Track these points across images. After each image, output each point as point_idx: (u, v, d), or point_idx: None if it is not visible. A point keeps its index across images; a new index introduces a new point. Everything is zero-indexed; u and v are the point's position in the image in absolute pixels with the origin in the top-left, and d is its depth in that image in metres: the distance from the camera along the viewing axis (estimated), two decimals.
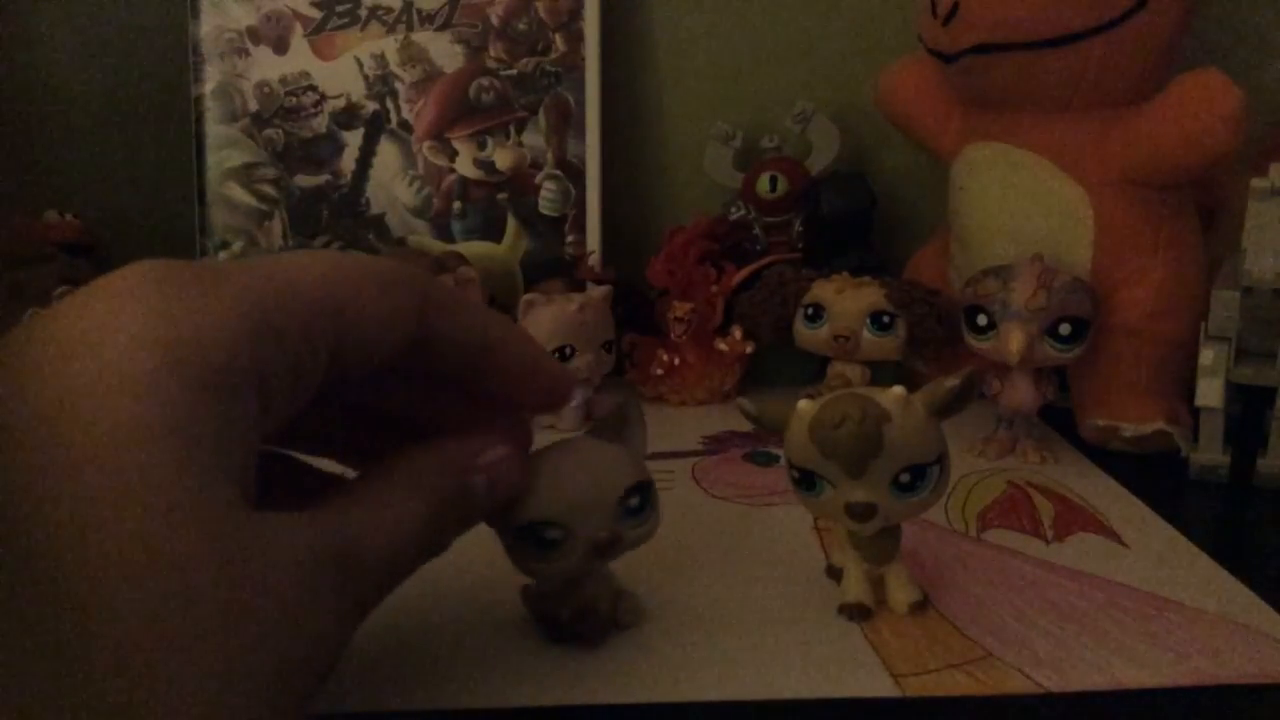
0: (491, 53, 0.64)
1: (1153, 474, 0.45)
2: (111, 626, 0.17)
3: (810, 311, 0.52)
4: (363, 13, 0.65)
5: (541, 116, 0.64)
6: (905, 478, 0.29)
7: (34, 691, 0.17)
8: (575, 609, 0.30)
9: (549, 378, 0.29)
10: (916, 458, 0.29)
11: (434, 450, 0.26)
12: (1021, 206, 0.49)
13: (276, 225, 0.66)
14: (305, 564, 0.20)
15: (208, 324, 0.20)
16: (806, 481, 0.30)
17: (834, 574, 0.34)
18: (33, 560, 0.18)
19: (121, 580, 0.18)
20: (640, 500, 0.29)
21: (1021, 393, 0.46)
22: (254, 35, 0.65)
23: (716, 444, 0.50)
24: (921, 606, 0.32)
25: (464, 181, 0.65)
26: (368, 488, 0.25)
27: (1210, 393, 0.43)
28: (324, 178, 0.65)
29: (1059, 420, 0.50)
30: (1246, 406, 0.45)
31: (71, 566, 0.18)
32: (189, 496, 0.19)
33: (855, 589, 0.33)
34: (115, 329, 0.19)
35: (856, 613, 0.32)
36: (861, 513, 0.30)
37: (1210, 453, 0.44)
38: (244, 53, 0.65)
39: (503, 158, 0.65)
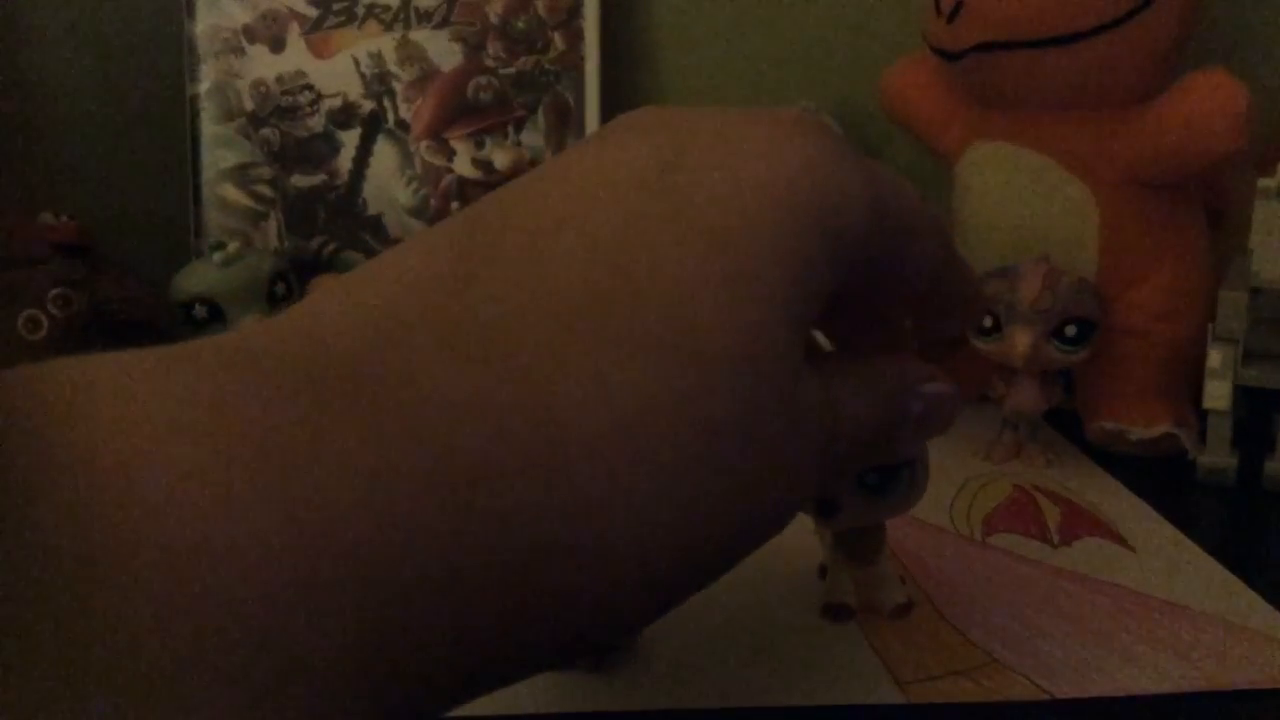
0: (490, 51, 0.64)
1: (1159, 477, 0.44)
2: None
3: None
4: (360, 11, 0.64)
5: (540, 116, 0.64)
6: (872, 479, 0.29)
7: None
8: None
9: (975, 302, 0.27)
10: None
11: (880, 360, 0.24)
12: (1026, 207, 0.49)
13: (272, 226, 0.65)
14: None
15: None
16: None
17: (825, 573, 0.34)
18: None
19: None
20: None
21: (1027, 395, 0.45)
22: (250, 34, 0.65)
23: None
24: (906, 609, 0.32)
25: (461, 182, 0.64)
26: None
27: (1218, 395, 0.42)
28: (320, 178, 0.65)
29: (1064, 423, 0.50)
30: (1254, 409, 0.45)
31: None
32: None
33: (838, 588, 0.32)
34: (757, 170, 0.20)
35: (839, 612, 0.32)
36: (824, 508, 0.29)
37: (1217, 456, 0.44)
38: (240, 51, 0.65)
39: (501, 157, 0.64)
